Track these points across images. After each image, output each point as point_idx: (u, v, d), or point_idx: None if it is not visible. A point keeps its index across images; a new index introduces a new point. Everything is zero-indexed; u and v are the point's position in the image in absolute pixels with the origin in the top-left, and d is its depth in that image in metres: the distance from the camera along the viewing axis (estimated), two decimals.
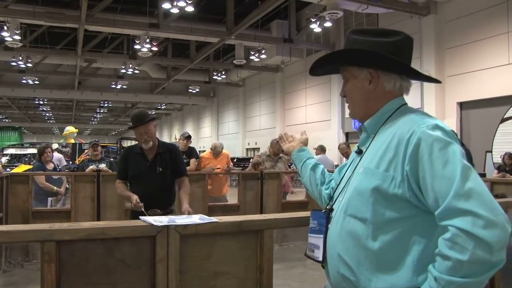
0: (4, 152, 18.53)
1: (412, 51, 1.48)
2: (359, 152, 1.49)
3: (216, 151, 6.96)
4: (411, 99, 1.50)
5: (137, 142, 3.76)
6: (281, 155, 7.16)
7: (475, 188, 1.16)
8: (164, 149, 3.71)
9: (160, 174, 3.61)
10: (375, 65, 1.42)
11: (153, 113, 35.83)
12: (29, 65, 19.42)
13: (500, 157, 8.82)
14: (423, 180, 1.23)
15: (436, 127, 1.26)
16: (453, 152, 1.21)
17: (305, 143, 1.90)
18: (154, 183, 3.58)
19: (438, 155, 1.21)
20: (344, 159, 7.86)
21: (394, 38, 1.43)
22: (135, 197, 3.45)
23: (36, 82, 23.84)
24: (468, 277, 1.13)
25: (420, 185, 1.25)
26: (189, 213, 3.34)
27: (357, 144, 1.55)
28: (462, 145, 6.27)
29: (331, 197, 1.59)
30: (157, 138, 3.77)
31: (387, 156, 1.32)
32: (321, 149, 8.32)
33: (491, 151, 11.34)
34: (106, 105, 34.66)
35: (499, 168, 8.37)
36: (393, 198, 1.29)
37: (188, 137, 6.87)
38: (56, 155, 10.27)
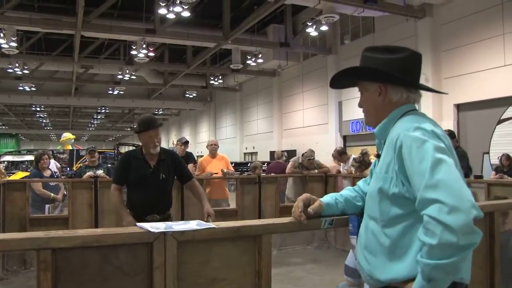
0: (1, 159, 18.44)
1: (420, 65, 1.64)
2: (378, 156, 1.65)
3: (211, 143, 6.95)
4: None
5: (134, 148, 3.75)
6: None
7: (443, 179, 1.29)
8: (165, 155, 3.70)
9: (162, 180, 3.61)
10: (382, 80, 1.59)
11: None
12: (26, 71, 19.43)
13: (498, 158, 8.83)
14: (410, 177, 1.39)
15: (417, 128, 1.42)
16: (427, 149, 1.35)
17: (314, 201, 1.76)
18: (156, 189, 3.57)
19: (416, 153, 1.37)
20: (342, 164, 7.88)
21: (401, 54, 1.59)
22: (128, 220, 3.45)
23: (33, 89, 23.84)
24: (440, 259, 1.25)
25: (410, 182, 1.40)
26: (209, 215, 3.51)
27: (376, 149, 1.74)
28: (459, 147, 6.25)
29: None
30: None
31: (386, 159, 1.50)
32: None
33: (488, 153, 11.36)
34: (103, 111, 34.64)
35: (497, 169, 8.38)
36: (393, 197, 1.46)
37: (185, 143, 6.86)
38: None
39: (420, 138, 1.38)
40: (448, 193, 1.26)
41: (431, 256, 1.26)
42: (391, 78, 1.57)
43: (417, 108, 1.64)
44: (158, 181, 3.58)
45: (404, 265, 1.43)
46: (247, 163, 20.50)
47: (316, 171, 7.50)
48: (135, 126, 3.96)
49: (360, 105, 1.70)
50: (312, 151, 7.79)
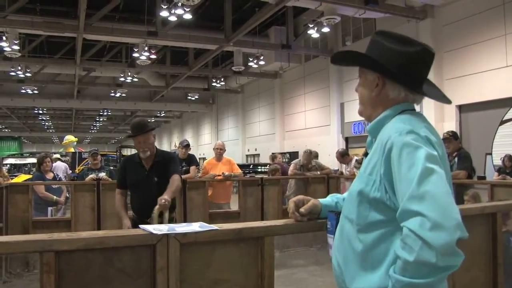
0: (4, 162, 18.48)
1: (429, 64, 1.48)
2: (366, 155, 1.54)
3: (217, 146, 6.93)
4: None
5: (137, 151, 3.77)
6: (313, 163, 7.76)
7: (431, 191, 1.18)
8: (161, 158, 3.71)
9: (156, 183, 3.62)
10: (380, 71, 1.46)
11: (152, 120, 35.87)
12: (28, 74, 19.44)
13: (500, 159, 8.81)
14: (395, 183, 1.28)
15: (411, 132, 1.30)
16: (418, 156, 1.24)
17: (308, 200, 1.75)
18: (151, 192, 3.57)
19: (406, 158, 1.25)
20: (344, 166, 7.90)
21: (411, 48, 1.43)
22: (127, 225, 3.57)
23: (35, 92, 23.85)
24: (414, 278, 1.16)
25: (394, 189, 1.29)
26: (163, 201, 3.21)
27: (366, 147, 1.62)
28: (462, 148, 6.25)
29: None
30: (156, 147, 3.78)
31: (372, 160, 1.39)
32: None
33: (491, 154, 11.33)
34: (105, 113, 34.64)
35: (499, 170, 8.36)
36: (374, 201, 1.36)
37: (186, 146, 6.83)
38: (60, 164, 10.26)
39: (413, 144, 1.26)
40: (434, 208, 1.15)
41: (405, 272, 1.17)
42: (389, 73, 1.43)
43: (415, 108, 1.51)
44: (152, 183, 3.61)
45: (376, 276, 1.33)
46: (249, 165, 20.50)
47: (318, 172, 7.51)
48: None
49: (356, 89, 1.58)
50: (310, 151, 7.81)
